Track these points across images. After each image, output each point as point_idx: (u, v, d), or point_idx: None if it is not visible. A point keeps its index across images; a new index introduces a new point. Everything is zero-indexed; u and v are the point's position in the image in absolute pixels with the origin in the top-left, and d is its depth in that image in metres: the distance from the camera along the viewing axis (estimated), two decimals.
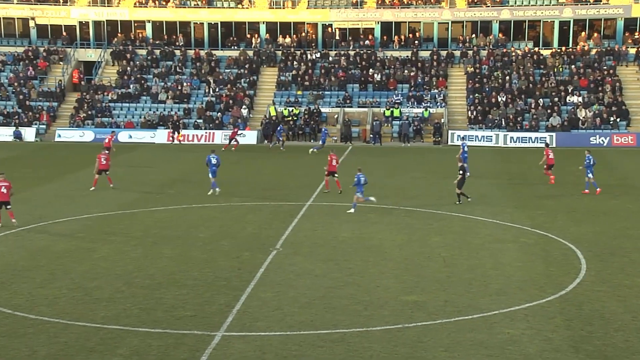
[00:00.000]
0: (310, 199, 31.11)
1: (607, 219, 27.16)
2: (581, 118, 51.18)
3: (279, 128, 49.75)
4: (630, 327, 16.35)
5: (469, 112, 52.89)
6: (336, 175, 32.06)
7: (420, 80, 55.92)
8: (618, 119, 50.91)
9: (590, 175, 31.91)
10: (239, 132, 49.16)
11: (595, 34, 58.19)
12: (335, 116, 53.66)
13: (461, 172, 29.55)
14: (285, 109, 53.65)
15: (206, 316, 17.09)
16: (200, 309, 17.58)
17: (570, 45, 58.21)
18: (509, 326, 16.46)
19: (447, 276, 20.24)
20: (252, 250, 22.85)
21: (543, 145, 39.65)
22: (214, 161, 31.45)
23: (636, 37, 57.56)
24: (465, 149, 36.86)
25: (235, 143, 48.19)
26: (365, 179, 28.25)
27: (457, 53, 58.28)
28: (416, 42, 59.28)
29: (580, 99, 52.76)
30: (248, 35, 61.50)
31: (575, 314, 17.13)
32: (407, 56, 58.27)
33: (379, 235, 24.86)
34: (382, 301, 18.14)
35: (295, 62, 58.37)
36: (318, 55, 59.18)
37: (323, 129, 48.30)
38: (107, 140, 41.80)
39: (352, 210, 28.20)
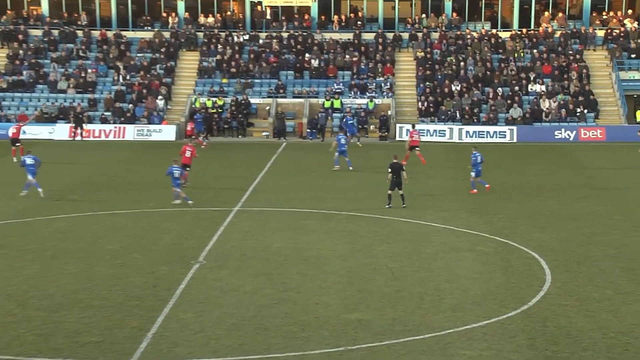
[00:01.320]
0: (239, 203, 31.00)
1: (573, 223, 27.84)
2: (544, 109, 52.31)
3: (195, 117, 49.46)
4: (600, 345, 16.78)
5: (420, 103, 53.51)
6: (188, 168, 33.93)
7: (363, 67, 56.30)
8: (585, 111, 52.20)
9: (472, 174, 32.86)
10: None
11: (560, 14, 59.57)
12: (267, 108, 53.59)
13: (390, 170, 29.92)
14: (208, 100, 53.34)
15: (116, 342, 16.86)
16: (109, 333, 17.33)
17: (532, 27, 59.44)
18: (466, 347, 16.70)
19: (396, 291, 20.42)
20: (170, 264, 22.64)
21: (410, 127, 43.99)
22: (29, 161, 32.26)
23: (604, 17, 59.11)
24: (342, 141, 38.88)
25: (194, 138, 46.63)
26: (181, 171, 30.87)
27: (406, 36, 58.89)
28: (359, 22, 59.66)
29: (543, 87, 53.94)
30: (164, 14, 60.90)
31: (539, 332, 17.50)
32: (349, 39, 58.59)
33: (317, 244, 24.90)
34: (322, 320, 18.20)
35: (219, 46, 58.09)
36: (246, 37, 59.00)
37: (346, 118, 48.74)
38: (14, 131, 41.97)
39: (178, 201, 30.23)
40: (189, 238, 25.57)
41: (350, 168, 38.48)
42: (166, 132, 51.12)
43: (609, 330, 17.53)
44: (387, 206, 29.83)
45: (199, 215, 28.88)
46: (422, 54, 56.73)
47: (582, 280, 21.15)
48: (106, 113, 52.94)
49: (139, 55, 57.59)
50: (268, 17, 60.64)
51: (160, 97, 53.83)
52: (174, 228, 26.92)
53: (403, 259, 23.33)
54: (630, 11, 59.04)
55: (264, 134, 52.00)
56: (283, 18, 60.73)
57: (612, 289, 20.37)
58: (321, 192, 33.32)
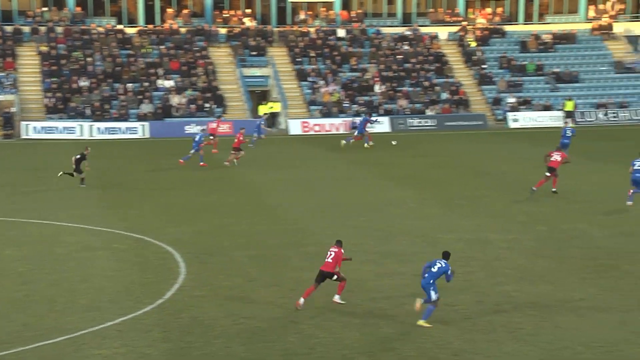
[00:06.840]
0: None
1: (207, 215, 28.74)
2: (175, 105, 53.42)
3: None
4: (231, 332, 17.59)
5: (47, 99, 51.90)
6: None
7: None
8: (214, 106, 54.23)
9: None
10: None
11: (184, 11, 61.16)
12: None
13: None
14: None
15: None
16: None
17: (158, 24, 60.32)
18: (100, 346, 16.63)
19: (25, 295, 19.76)
20: None
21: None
22: None
23: (225, 15, 61.83)
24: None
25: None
26: None
27: (27, 29, 56.67)
28: None
29: (172, 83, 55.01)
30: None
31: (173, 325, 17.92)
32: None
33: None
34: None
35: None
36: None
37: (363, 117, 46.73)
38: None
39: None
40: None
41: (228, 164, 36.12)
42: None
43: (239, 317, 18.43)
44: None
45: None
46: (47, 48, 54.98)
47: (215, 270, 21.98)
48: None
49: None
50: None
51: None
52: None
53: (33, 261, 22.60)
54: (248, 10, 62.34)
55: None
56: None
57: (241, 277, 21.44)
58: None
